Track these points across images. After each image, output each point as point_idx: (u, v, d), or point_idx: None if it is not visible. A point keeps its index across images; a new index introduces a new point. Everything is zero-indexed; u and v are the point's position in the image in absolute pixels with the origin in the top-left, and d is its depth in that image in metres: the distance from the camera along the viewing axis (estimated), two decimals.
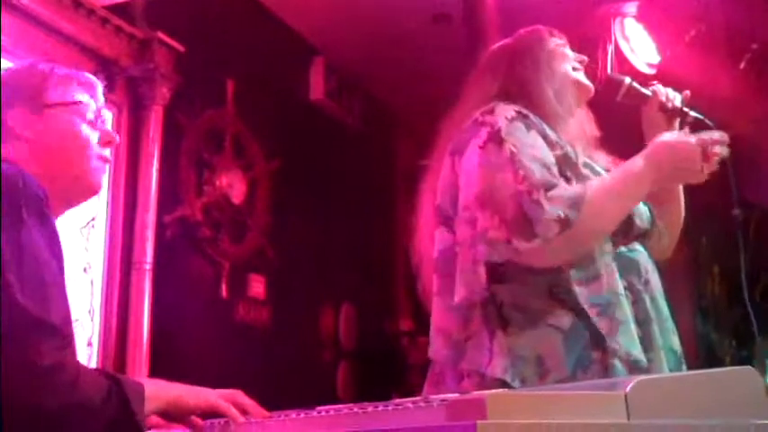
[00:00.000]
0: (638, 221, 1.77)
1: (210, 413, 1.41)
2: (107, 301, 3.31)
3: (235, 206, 4.07)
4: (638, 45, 3.72)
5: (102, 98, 1.60)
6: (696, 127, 1.87)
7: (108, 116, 1.65)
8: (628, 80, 1.92)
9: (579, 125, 1.87)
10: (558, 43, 1.90)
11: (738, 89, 3.77)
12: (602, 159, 1.88)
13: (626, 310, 1.65)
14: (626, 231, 1.73)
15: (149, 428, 1.38)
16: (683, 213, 1.96)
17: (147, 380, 1.39)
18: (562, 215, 1.57)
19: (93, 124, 1.55)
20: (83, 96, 1.55)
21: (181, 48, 3.62)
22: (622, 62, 3.58)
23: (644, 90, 1.91)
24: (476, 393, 1.05)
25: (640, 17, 3.72)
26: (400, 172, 5.52)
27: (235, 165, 4.12)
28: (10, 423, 1.19)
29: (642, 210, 1.80)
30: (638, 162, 1.70)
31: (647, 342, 1.65)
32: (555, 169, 1.66)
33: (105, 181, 1.64)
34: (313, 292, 4.61)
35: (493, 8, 3.57)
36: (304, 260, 4.50)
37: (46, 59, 1.68)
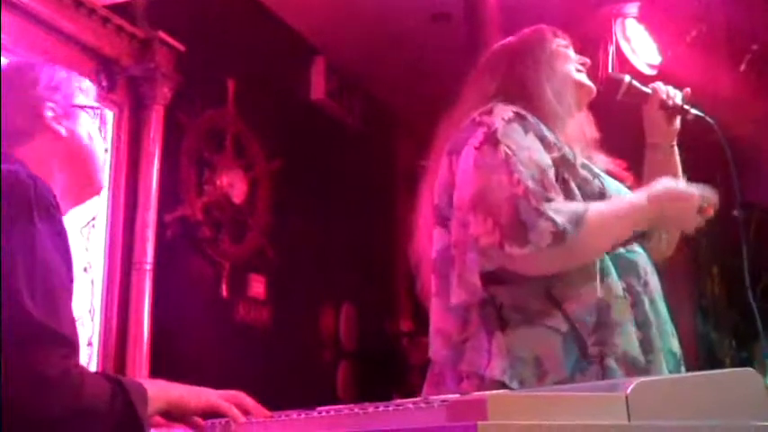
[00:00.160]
0: None
1: (212, 413, 1.41)
2: (107, 301, 3.31)
3: (235, 206, 4.07)
4: (640, 46, 3.73)
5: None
6: (697, 124, 1.87)
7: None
8: (627, 78, 1.92)
9: (578, 126, 1.87)
10: (560, 44, 1.89)
11: (739, 90, 3.77)
12: (601, 161, 1.87)
13: (624, 311, 1.65)
14: None
15: (151, 428, 1.38)
16: None
17: (148, 381, 1.39)
18: (559, 228, 1.56)
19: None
20: (95, 102, 1.65)
21: (182, 47, 3.62)
22: (623, 63, 3.59)
23: (644, 88, 1.91)
24: (476, 394, 1.05)
25: (641, 18, 3.72)
26: (401, 172, 5.52)
27: (235, 164, 4.12)
28: (16, 430, 1.19)
29: None
30: (641, 198, 1.70)
31: (646, 344, 1.65)
32: (551, 172, 1.66)
33: (105, 180, 1.71)
34: (313, 292, 4.62)
35: (493, 7, 3.57)
36: (304, 260, 4.50)
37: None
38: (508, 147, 1.65)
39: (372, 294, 5.13)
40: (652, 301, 1.71)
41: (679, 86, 1.94)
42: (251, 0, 4.35)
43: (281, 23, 4.55)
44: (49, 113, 1.54)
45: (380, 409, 1.11)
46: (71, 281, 1.35)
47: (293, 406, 1.32)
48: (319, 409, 1.24)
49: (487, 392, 1.05)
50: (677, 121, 1.92)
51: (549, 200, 1.60)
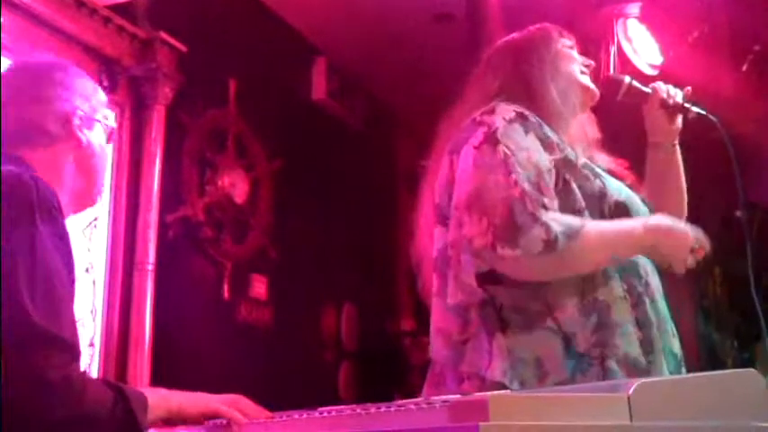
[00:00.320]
0: None
1: (212, 418, 1.41)
2: (109, 301, 3.31)
3: (237, 206, 4.07)
4: (641, 46, 3.72)
5: None
6: (699, 123, 1.87)
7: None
8: (627, 79, 1.92)
9: (581, 127, 1.87)
10: (565, 44, 1.89)
11: (741, 90, 3.76)
12: (602, 160, 1.87)
13: (625, 312, 1.65)
14: None
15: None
16: (685, 210, 1.96)
17: (149, 389, 1.40)
18: (552, 237, 1.56)
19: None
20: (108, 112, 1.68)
21: (183, 47, 3.62)
22: (625, 63, 3.58)
23: (644, 88, 1.91)
24: (478, 395, 1.05)
25: (643, 18, 3.72)
26: (402, 172, 5.52)
27: (237, 164, 4.12)
28: None
29: (643, 210, 1.79)
30: (638, 226, 1.69)
31: (646, 345, 1.64)
32: (549, 175, 1.65)
33: (108, 181, 1.73)
34: (315, 292, 4.61)
35: (495, 8, 3.57)
36: (306, 260, 4.50)
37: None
38: (507, 147, 1.64)
39: (374, 294, 5.13)
40: (653, 302, 1.71)
41: (681, 86, 1.94)
42: (252, 0, 4.35)
43: (282, 23, 4.56)
44: (77, 121, 1.56)
45: (382, 409, 1.12)
46: (72, 283, 1.35)
47: (295, 406, 1.32)
48: (321, 409, 1.24)
49: (489, 393, 1.05)
50: (678, 120, 1.92)
51: (544, 205, 1.59)
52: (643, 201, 1.83)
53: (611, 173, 1.85)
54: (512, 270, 1.61)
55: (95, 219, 3.30)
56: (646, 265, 1.75)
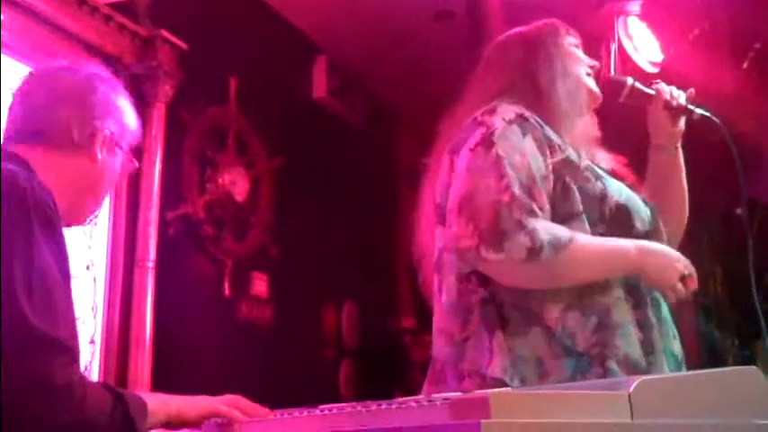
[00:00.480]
0: (638, 224, 1.75)
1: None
2: (110, 299, 3.31)
3: (237, 204, 4.07)
4: (642, 44, 3.71)
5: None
6: (701, 122, 1.86)
7: None
8: (630, 80, 1.90)
9: (584, 127, 1.84)
10: (571, 42, 1.87)
11: (742, 87, 3.76)
12: (604, 160, 1.86)
13: (626, 313, 1.64)
14: (626, 233, 1.71)
15: None
16: (686, 214, 1.95)
17: (148, 394, 1.40)
18: (536, 246, 1.55)
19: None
20: (134, 149, 1.68)
21: (184, 45, 3.62)
22: (626, 61, 3.58)
23: (647, 90, 1.89)
24: (479, 392, 1.05)
25: (644, 16, 3.71)
26: (403, 170, 5.52)
27: (237, 162, 4.12)
28: None
29: (643, 211, 1.78)
30: (629, 246, 1.67)
31: (647, 345, 1.64)
32: (545, 179, 1.64)
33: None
34: (316, 290, 4.62)
35: (496, 5, 3.57)
36: (306, 258, 4.50)
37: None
38: (502, 149, 1.63)
39: (375, 292, 5.13)
40: (654, 303, 1.70)
41: (681, 84, 1.92)
42: None
43: (283, 22, 4.55)
44: (101, 138, 1.56)
45: (383, 407, 1.12)
46: (69, 285, 1.33)
47: (295, 404, 1.32)
48: (322, 407, 1.24)
49: (490, 390, 1.05)
50: (682, 122, 1.90)
51: (533, 211, 1.58)
52: (644, 201, 1.82)
53: (613, 173, 1.84)
54: (496, 274, 1.61)
55: (96, 216, 3.30)
56: None
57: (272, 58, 4.42)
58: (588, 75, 1.86)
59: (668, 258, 1.68)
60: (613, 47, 3.58)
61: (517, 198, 1.58)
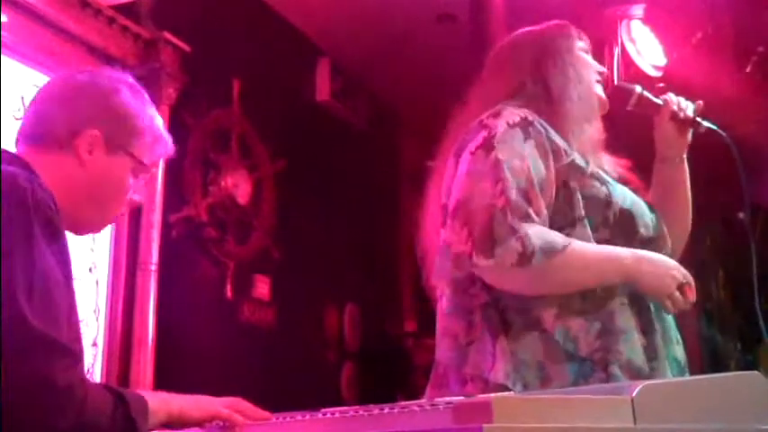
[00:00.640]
0: (642, 230, 1.74)
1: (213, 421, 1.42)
2: (112, 302, 3.31)
3: (240, 206, 4.08)
4: (645, 47, 3.71)
5: (166, 154, 1.65)
6: (709, 137, 1.84)
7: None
8: (639, 89, 1.88)
9: (593, 133, 1.82)
10: (581, 47, 1.86)
11: (745, 91, 3.76)
12: (609, 164, 1.85)
13: (629, 318, 1.64)
14: (630, 239, 1.71)
15: None
16: (689, 226, 1.93)
17: (149, 393, 1.39)
18: (527, 251, 1.54)
19: (136, 184, 1.58)
20: (153, 157, 1.59)
21: (187, 48, 3.62)
22: (629, 65, 3.58)
23: (655, 99, 1.87)
24: (482, 397, 1.05)
25: (647, 19, 3.71)
26: (405, 173, 5.52)
27: (240, 165, 4.12)
28: None
29: (648, 217, 1.78)
30: (626, 256, 1.65)
31: (650, 351, 1.63)
32: (545, 184, 1.63)
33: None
34: (317, 292, 4.62)
35: (498, 9, 3.57)
36: (309, 261, 4.50)
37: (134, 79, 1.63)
38: (502, 153, 1.62)
39: (376, 295, 5.13)
40: (657, 308, 1.69)
41: (684, 87, 1.92)
42: (256, 1, 4.35)
43: (286, 24, 4.56)
44: (87, 137, 1.49)
45: (385, 410, 1.12)
46: (71, 286, 1.33)
47: (297, 407, 1.32)
48: (324, 410, 1.24)
49: (493, 395, 1.05)
50: (689, 134, 1.88)
51: (528, 216, 1.57)
52: (650, 207, 1.81)
53: (619, 177, 1.83)
54: (488, 279, 1.61)
55: (104, 225, 3.29)
56: None
57: (275, 61, 4.42)
58: (598, 81, 1.85)
59: (665, 267, 1.67)
60: (616, 51, 3.58)
61: (512, 203, 1.57)
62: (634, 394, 1.05)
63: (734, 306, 4.43)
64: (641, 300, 1.68)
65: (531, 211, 1.59)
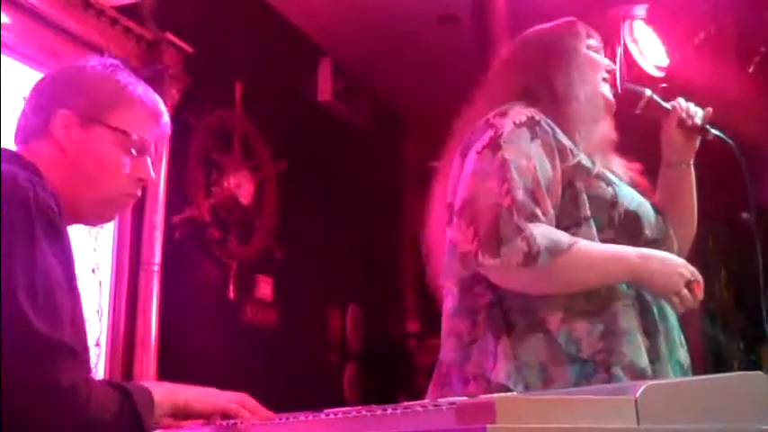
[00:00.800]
0: (648, 231, 1.74)
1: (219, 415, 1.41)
2: (115, 302, 3.32)
3: (243, 207, 4.08)
4: (648, 48, 3.71)
5: (163, 130, 1.57)
6: (716, 145, 1.84)
7: (159, 149, 1.57)
8: (648, 92, 1.87)
9: (601, 134, 1.81)
10: (591, 45, 1.84)
11: (747, 91, 3.76)
12: (618, 166, 1.85)
13: (632, 320, 1.64)
14: (635, 240, 1.71)
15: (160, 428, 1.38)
16: (694, 230, 1.92)
17: (154, 384, 1.38)
18: (533, 251, 1.54)
19: (135, 157, 1.51)
20: (141, 129, 1.51)
21: (189, 49, 3.62)
22: (632, 65, 3.57)
23: (664, 104, 1.87)
24: (485, 397, 1.05)
25: (649, 20, 3.71)
26: (408, 173, 5.52)
27: (243, 165, 4.13)
28: None
29: (654, 218, 1.77)
30: (631, 253, 1.65)
31: (653, 353, 1.63)
32: (551, 184, 1.63)
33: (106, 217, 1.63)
34: (320, 293, 4.62)
35: (500, 9, 3.56)
36: (311, 261, 4.50)
37: (125, 66, 1.57)
38: (508, 153, 1.62)
39: (379, 296, 5.13)
40: (661, 310, 1.69)
41: (686, 87, 1.92)
42: (258, 2, 4.35)
43: (288, 25, 4.56)
44: (59, 119, 1.45)
45: (388, 411, 1.11)
46: (74, 286, 1.32)
47: (300, 408, 1.32)
48: (326, 411, 1.24)
49: (496, 395, 1.05)
50: (696, 141, 1.87)
51: (534, 215, 1.57)
52: (655, 209, 1.81)
53: (627, 179, 1.83)
54: (494, 278, 1.61)
55: (112, 213, 3.30)
56: None
57: (278, 62, 4.42)
58: (605, 80, 1.84)
59: (672, 264, 1.66)
60: (619, 51, 3.57)
61: (518, 202, 1.57)
62: (638, 394, 1.05)
63: (737, 306, 4.43)
64: (645, 301, 1.67)
65: (537, 210, 1.59)
